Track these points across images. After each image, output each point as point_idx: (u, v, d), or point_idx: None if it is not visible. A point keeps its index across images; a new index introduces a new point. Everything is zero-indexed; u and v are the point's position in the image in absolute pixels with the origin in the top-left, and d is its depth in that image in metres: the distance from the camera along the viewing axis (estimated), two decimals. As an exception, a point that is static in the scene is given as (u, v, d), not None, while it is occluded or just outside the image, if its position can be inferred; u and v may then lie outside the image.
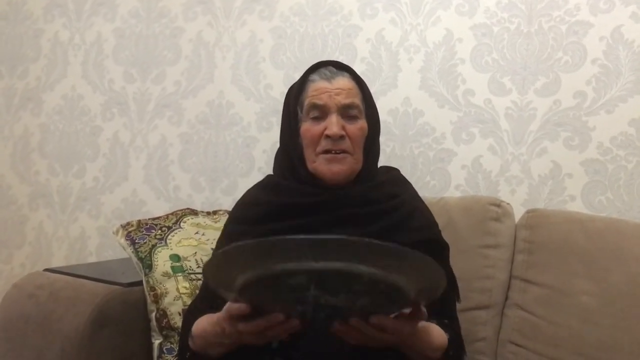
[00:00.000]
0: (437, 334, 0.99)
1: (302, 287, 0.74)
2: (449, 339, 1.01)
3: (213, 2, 1.94)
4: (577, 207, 1.49)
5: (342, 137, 1.09)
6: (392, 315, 0.83)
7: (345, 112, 1.10)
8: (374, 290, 0.75)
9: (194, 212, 1.55)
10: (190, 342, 1.04)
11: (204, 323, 1.01)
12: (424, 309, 0.85)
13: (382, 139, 1.28)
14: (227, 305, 0.86)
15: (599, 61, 1.49)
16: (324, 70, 1.14)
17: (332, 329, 0.83)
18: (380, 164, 1.27)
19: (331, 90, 1.10)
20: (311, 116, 1.11)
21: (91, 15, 2.14)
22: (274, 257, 0.72)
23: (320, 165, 1.10)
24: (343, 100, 1.10)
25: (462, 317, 1.16)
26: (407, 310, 0.85)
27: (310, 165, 1.12)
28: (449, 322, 1.08)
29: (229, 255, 0.75)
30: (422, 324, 0.92)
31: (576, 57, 1.51)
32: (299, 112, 1.14)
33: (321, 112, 1.10)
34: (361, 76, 1.20)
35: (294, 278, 0.73)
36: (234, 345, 0.96)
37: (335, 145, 1.09)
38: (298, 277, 0.73)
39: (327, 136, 1.08)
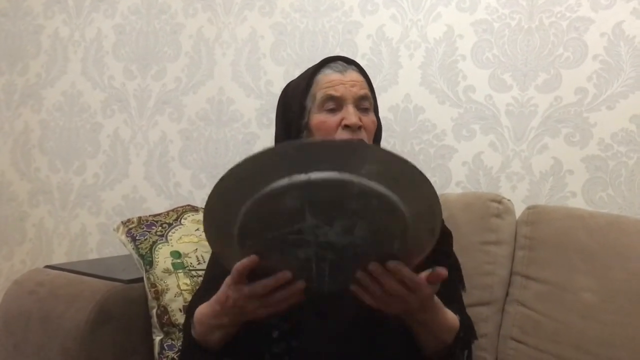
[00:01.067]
0: (450, 314, 0.97)
1: (297, 212, 0.73)
2: (460, 321, 1.00)
3: (213, -2, 1.94)
4: (578, 203, 1.49)
5: (360, 128, 1.08)
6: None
7: (360, 103, 1.10)
8: (367, 209, 0.73)
9: (195, 209, 1.55)
10: (192, 332, 1.03)
11: (202, 308, 1.00)
12: (444, 271, 0.82)
13: (382, 135, 1.28)
14: (233, 269, 0.84)
15: (600, 57, 1.48)
16: (335, 64, 1.13)
17: (346, 289, 0.81)
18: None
19: (345, 82, 1.09)
20: (326, 108, 1.09)
21: (91, 12, 2.14)
22: (263, 175, 0.72)
23: None
24: (358, 91, 1.09)
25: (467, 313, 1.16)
26: (424, 273, 0.82)
27: None
28: (457, 307, 1.07)
29: (224, 185, 0.74)
30: (438, 300, 0.91)
31: (577, 53, 1.50)
32: (308, 105, 1.12)
33: (337, 104, 1.09)
34: (363, 72, 1.20)
35: (287, 199, 0.72)
36: (233, 327, 0.94)
37: (354, 135, 1.07)
38: (290, 196, 0.72)
39: (346, 126, 1.07)
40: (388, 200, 0.73)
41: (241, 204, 0.75)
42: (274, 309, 0.84)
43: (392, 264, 0.78)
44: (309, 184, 0.71)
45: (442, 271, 0.82)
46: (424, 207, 0.75)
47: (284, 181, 0.72)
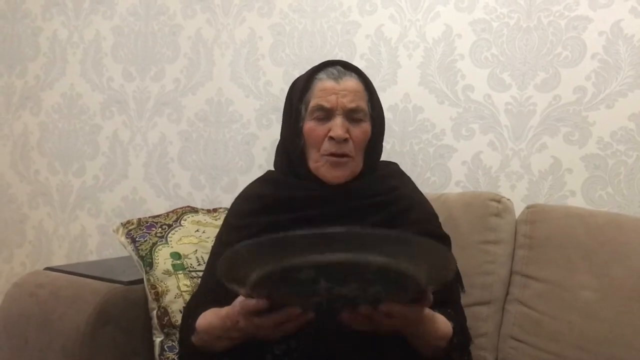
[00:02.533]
0: (442, 322, 0.99)
1: (312, 280, 0.74)
2: (453, 328, 1.01)
3: (212, 0, 1.94)
4: (577, 202, 1.49)
5: (345, 140, 1.09)
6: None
7: (350, 115, 1.10)
8: (384, 278, 0.75)
9: (194, 210, 1.55)
10: (193, 338, 1.03)
11: (209, 317, 1.01)
12: (430, 296, 0.85)
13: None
14: (240, 300, 0.87)
15: (598, 56, 1.48)
16: (332, 70, 1.13)
17: (340, 317, 0.83)
18: (381, 160, 1.27)
19: (338, 91, 1.10)
20: (316, 116, 1.10)
21: (90, 14, 2.14)
22: (281, 253, 0.73)
23: (323, 167, 1.11)
24: (349, 103, 1.09)
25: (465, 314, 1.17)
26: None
27: (312, 165, 1.12)
28: (454, 311, 1.08)
29: (238, 254, 0.76)
30: (428, 311, 0.92)
31: (576, 52, 1.50)
32: (303, 110, 1.13)
33: (326, 114, 1.10)
34: (363, 74, 1.20)
35: (303, 272, 0.74)
36: (242, 339, 0.96)
37: (338, 149, 1.09)
38: (306, 271, 0.73)
39: (331, 138, 1.08)
40: (404, 273, 0.75)
41: (254, 270, 0.77)
42: (284, 333, 0.88)
43: (384, 307, 0.81)
44: (326, 263, 0.73)
45: (429, 298, 0.85)
46: (438, 268, 0.78)
47: (299, 259, 0.73)
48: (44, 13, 2.22)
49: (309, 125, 1.11)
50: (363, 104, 1.12)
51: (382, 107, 1.19)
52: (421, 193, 1.23)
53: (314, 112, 1.10)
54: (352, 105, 1.10)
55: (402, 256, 0.73)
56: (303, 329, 0.86)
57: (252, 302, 0.83)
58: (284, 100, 1.21)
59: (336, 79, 1.11)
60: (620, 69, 1.46)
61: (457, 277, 1.16)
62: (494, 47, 1.59)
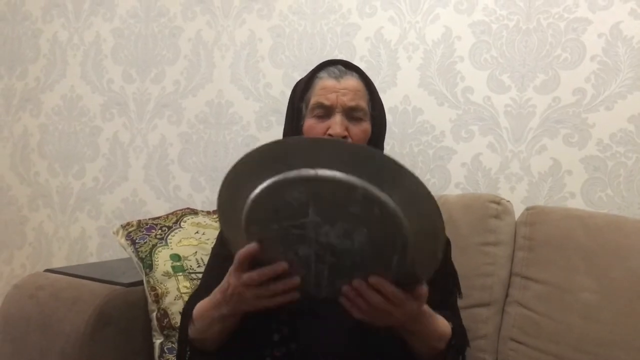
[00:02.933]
0: (441, 322, 0.99)
1: (301, 206, 0.74)
2: (452, 329, 1.01)
3: (212, 2, 1.94)
4: (577, 204, 1.49)
5: (344, 138, 1.09)
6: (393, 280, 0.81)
7: (350, 113, 1.10)
8: (369, 215, 0.74)
9: (194, 212, 1.55)
10: (190, 330, 1.03)
11: (203, 301, 1.00)
12: (426, 287, 0.84)
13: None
14: (236, 256, 0.86)
15: (598, 58, 1.49)
16: (333, 69, 1.13)
17: (338, 296, 0.82)
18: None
19: (338, 89, 1.10)
20: (315, 114, 1.11)
21: (90, 16, 2.14)
22: (275, 164, 0.75)
23: None
24: (349, 102, 1.10)
25: (463, 315, 1.16)
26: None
27: None
28: (451, 314, 1.08)
29: (238, 167, 0.78)
30: (427, 309, 0.92)
31: (575, 54, 1.51)
32: (303, 109, 1.14)
33: (326, 111, 1.10)
34: (364, 75, 1.20)
35: (293, 191, 0.74)
36: (232, 318, 0.95)
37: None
38: (297, 189, 0.74)
39: (330, 135, 1.09)
40: (390, 211, 0.73)
41: (251, 189, 0.77)
42: (270, 300, 0.85)
43: (373, 279, 0.79)
44: (316, 179, 0.73)
45: (425, 289, 0.84)
46: (428, 228, 0.76)
47: (292, 173, 0.74)
48: (44, 15, 2.23)
49: (309, 123, 1.11)
50: (363, 103, 1.12)
51: (383, 108, 1.19)
52: None
53: (314, 110, 1.11)
54: (352, 103, 1.10)
55: (393, 191, 0.73)
56: (294, 302, 0.85)
57: (245, 248, 0.82)
58: (285, 102, 1.21)
59: (337, 77, 1.11)
60: (619, 71, 1.47)
61: (455, 281, 1.16)
62: (494, 49, 1.59)
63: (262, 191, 0.76)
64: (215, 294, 0.94)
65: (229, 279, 0.88)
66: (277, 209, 0.77)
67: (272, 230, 0.79)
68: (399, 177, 0.73)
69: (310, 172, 0.73)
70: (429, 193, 0.73)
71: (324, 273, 0.80)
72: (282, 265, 0.81)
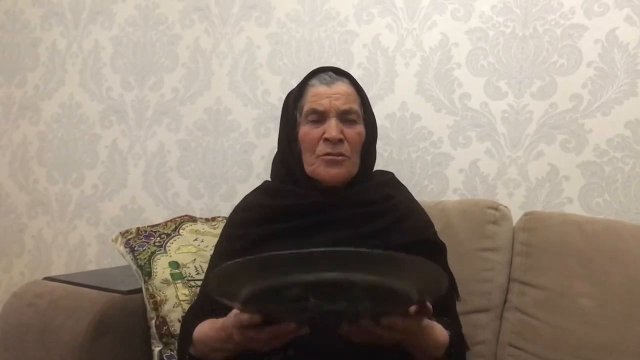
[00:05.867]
0: (439, 332, 0.99)
1: (301, 298, 0.75)
2: (450, 337, 1.01)
3: (210, 9, 1.95)
4: (574, 209, 1.49)
5: (340, 141, 1.10)
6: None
7: (344, 116, 1.11)
8: (374, 294, 0.75)
9: (193, 219, 1.55)
10: (191, 350, 1.04)
11: (205, 328, 1.01)
12: (429, 305, 0.86)
13: (379, 143, 1.29)
14: (235, 313, 0.87)
15: (594, 64, 1.49)
16: (324, 76, 1.15)
17: (339, 331, 0.84)
18: (378, 168, 1.28)
19: (331, 95, 1.11)
20: (310, 120, 1.12)
21: (88, 24, 2.15)
22: (269, 272, 0.74)
23: (319, 168, 1.12)
24: (342, 105, 1.11)
25: (461, 321, 1.17)
26: (412, 308, 0.85)
27: (309, 168, 1.13)
28: (450, 320, 1.09)
29: (226, 272, 0.77)
30: (427, 322, 0.93)
31: (571, 60, 1.51)
32: (298, 116, 1.15)
33: (320, 116, 1.11)
34: (358, 81, 1.21)
35: (291, 290, 0.74)
36: (237, 351, 0.96)
37: (334, 149, 1.10)
38: (294, 289, 0.74)
39: (326, 139, 1.09)
40: (392, 290, 0.75)
41: (244, 287, 0.77)
42: (279, 345, 0.88)
43: (386, 321, 0.81)
44: (315, 282, 0.73)
45: (429, 308, 0.86)
46: (429, 284, 0.78)
47: (288, 278, 0.74)
48: (43, 23, 2.23)
49: (304, 130, 1.12)
50: (356, 106, 1.14)
51: (373, 113, 1.21)
52: (417, 202, 1.24)
53: (308, 116, 1.12)
54: (346, 106, 1.11)
55: (390, 274, 0.74)
56: (301, 339, 0.87)
57: (246, 317, 0.84)
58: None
59: (328, 83, 1.13)
60: (615, 77, 1.47)
61: (453, 285, 1.17)
62: (491, 56, 1.60)
63: (258, 290, 0.76)
64: (219, 331, 0.96)
65: (233, 330, 0.89)
66: (276, 300, 0.78)
67: (273, 309, 0.81)
68: (396, 264, 0.74)
69: (306, 276, 0.73)
70: (427, 263, 0.74)
71: (329, 325, 0.83)
72: (290, 326, 0.82)
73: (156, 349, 1.33)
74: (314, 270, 0.72)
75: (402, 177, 1.30)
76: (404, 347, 0.96)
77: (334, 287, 0.74)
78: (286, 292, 0.74)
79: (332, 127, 1.09)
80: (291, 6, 1.84)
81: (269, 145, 1.84)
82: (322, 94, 1.11)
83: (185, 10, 1.99)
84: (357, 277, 0.72)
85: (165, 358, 1.32)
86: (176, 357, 1.28)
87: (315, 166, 1.12)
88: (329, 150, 1.10)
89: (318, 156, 1.11)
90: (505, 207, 1.44)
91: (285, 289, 0.74)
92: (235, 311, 0.88)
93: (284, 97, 1.24)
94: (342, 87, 1.13)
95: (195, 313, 1.13)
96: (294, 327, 0.82)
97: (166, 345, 1.32)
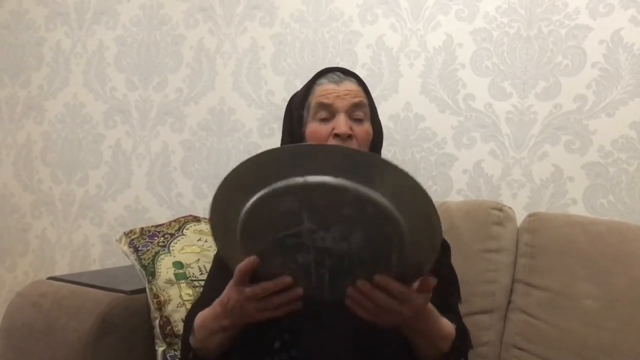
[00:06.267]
0: (445, 322, 0.98)
1: (294, 215, 0.75)
2: (456, 329, 1.00)
3: (214, 10, 1.95)
4: (578, 210, 1.49)
5: (350, 137, 1.09)
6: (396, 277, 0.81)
7: (353, 112, 1.11)
8: (362, 215, 0.74)
9: (197, 219, 1.55)
10: (191, 340, 1.03)
11: (204, 312, 1.01)
12: (433, 279, 0.83)
13: (383, 144, 1.28)
14: (235, 270, 0.86)
15: (599, 65, 1.49)
16: (332, 75, 1.14)
17: (343, 299, 0.82)
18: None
19: (339, 91, 1.11)
20: (318, 117, 1.11)
21: (93, 24, 2.15)
22: (262, 177, 0.75)
23: None
24: (351, 99, 1.10)
25: (465, 322, 1.16)
26: (416, 284, 0.83)
27: None
28: (454, 317, 1.08)
29: (225, 186, 0.78)
30: (432, 307, 0.92)
31: (576, 60, 1.51)
32: (305, 115, 1.14)
33: (329, 113, 1.10)
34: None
35: (285, 201, 0.75)
36: (232, 330, 0.95)
37: (344, 144, 1.09)
38: (288, 199, 0.74)
39: (336, 135, 1.08)
40: (383, 208, 0.74)
41: (242, 204, 0.78)
42: (273, 312, 0.86)
43: (378, 278, 0.79)
44: (306, 186, 0.73)
45: (432, 280, 0.83)
46: (422, 219, 0.76)
47: (282, 183, 0.74)
48: (48, 23, 2.24)
49: (312, 127, 1.11)
50: (365, 100, 1.13)
51: (379, 118, 1.20)
52: None
53: (317, 112, 1.10)
54: (356, 100, 1.10)
55: (384, 187, 0.73)
56: (295, 316, 0.85)
57: (245, 262, 0.82)
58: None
59: (336, 82, 1.12)
60: (620, 78, 1.47)
61: (455, 285, 1.16)
62: (495, 56, 1.59)
63: (253, 205, 0.77)
64: (215, 306, 0.94)
65: (229, 293, 0.88)
66: (271, 221, 0.77)
67: (268, 241, 0.79)
68: (387, 173, 0.73)
69: (299, 180, 0.73)
70: (418, 184, 0.73)
71: (325, 277, 0.80)
72: (285, 279, 0.81)
73: (160, 349, 1.34)
74: (305, 172, 0.73)
75: (406, 178, 1.29)
76: (411, 333, 0.94)
77: (325, 198, 0.74)
78: (280, 205, 0.75)
79: (341, 123, 1.08)
80: (295, 6, 1.84)
81: (273, 145, 1.82)
82: (330, 91, 1.11)
83: (190, 10, 1.99)
84: (346, 183, 0.73)
85: (168, 358, 1.32)
86: (179, 356, 1.28)
87: None
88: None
89: None
90: (510, 208, 1.44)
91: (277, 199, 0.75)
92: (232, 280, 0.87)
93: (288, 98, 1.24)
94: (351, 85, 1.13)
95: (196, 310, 1.12)
96: (289, 281, 0.81)
97: (170, 345, 1.33)
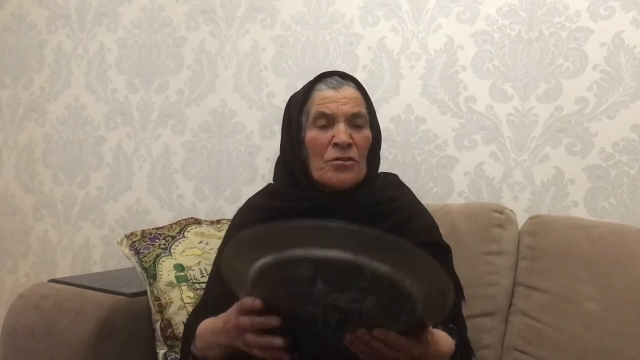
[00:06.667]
0: (444, 341, 0.99)
1: (308, 279, 0.75)
2: (456, 345, 1.01)
3: (215, 12, 1.95)
4: (580, 212, 1.49)
5: (349, 145, 1.10)
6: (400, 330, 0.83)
7: (352, 121, 1.11)
8: (378, 288, 0.75)
9: (198, 222, 1.55)
10: (192, 346, 1.04)
11: (206, 322, 1.01)
12: (430, 332, 0.85)
13: (384, 146, 1.29)
14: (240, 301, 0.87)
15: (600, 67, 1.49)
16: (330, 80, 1.15)
17: (343, 341, 0.83)
18: (383, 170, 1.28)
19: (338, 99, 1.11)
20: (318, 125, 1.11)
21: (94, 26, 2.16)
22: (281, 242, 0.74)
23: (328, 172, 1.11)
24: (350, 109, 1.11)
25: (467, 324, 1.17)
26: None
27: (317, 173, 1.13)
28: (455, 325, 1.08)
29: (241, 242, 0.78)
30: (433, 333, 0.92)
31: (577, 63, 1.51)
32: (303, 120, 1.14)
33: (328, 121, 1.11)
34: (363, 84, 1.21)
35: (300, 267, 0.74)
36: (228, 349, 0.95)
37: (343, 154, 1.10)
38: (304, 266, 0.74)
39: (336, 144, 1.09)
40: (398, 284, 0.75)
41: (257, 258, 0.77)
42: (254, 351, 0.87)
43: (377, 332, 0.80)
44: (324, 259, 0.74)
45: (430, 334, 0.85)
46: (436, 291, 0.78)
47: (300, 252, 0.74)
48: (49, 25, 2.24)
49: (312, 135, 1.12)
50: (363, 110, 1.14)
51: (377, 118, 1.21)
52: (421, 204, 1.24)
53: (316, 120, 1.11)
54: (355, 110, 1.11)
55: (399, 267, 0.73)
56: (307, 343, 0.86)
57: (249, 299, 0.83)
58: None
59: (335, 88, 1.12)
60: (621, 80, 1.47)
61: (458, 286, 1.16)
62: (496, 59, 1.59)
63: (269, 263, 0.77)
64: (218, 321, 0.95)
65: (231, 314, 0.89)
66: (284, 279, 0.78)
67: (279, 293, 0.81)
68: (406, 253, 0.74)
69: (318, 252, 0.73)
70: (436, 264, 0.74)
71: (332, 325, 0.81)
72: (272, 320, 0.82)
73: (161, 352, 1.34)
74: (325, 245, 0.73)
75: (407, 180, 1.29)
76: None
77: (342, 270, 0.74)
78: (296, 269, 0.75)
79: (341, 132, 1.09)
80: (296, 9, 1.84)
81: (274, 147, 1.84)
82: (330, 98, 1.11)
83: (191, 12, 1.99)
84: (366, 262, 0.72)
85: (170, 360, 1.32)
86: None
87: (324, 171, 1.12)
88: (338, 155, 1.10)
89: (327, 161, 1.11)
90: (511, 210, 1.44)
91: (295, 265, 0.74)
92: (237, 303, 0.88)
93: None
94: (350, 91, 1.13)
95: (197, 315, 1.13)
96: (277, 323, 0.81)
97: (171, 347, 1.33)
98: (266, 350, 0.85)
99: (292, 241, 0.74)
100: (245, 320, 0.84)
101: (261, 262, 0.77)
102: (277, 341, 0.83)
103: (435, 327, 0.86)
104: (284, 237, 0.75)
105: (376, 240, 0.72)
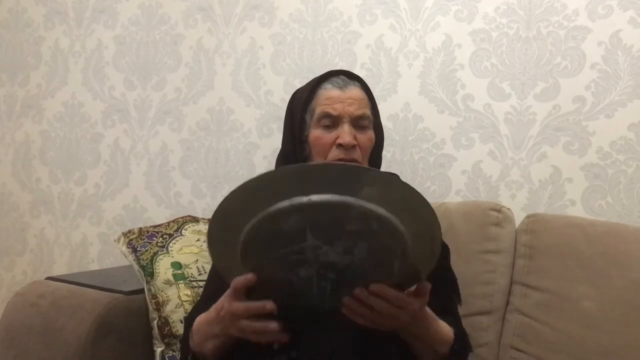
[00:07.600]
0: (444, 326, 0.99)
1: (298, 231, 0.75)
2: (455, 333, 1.01)
3: (213, 9, 1.95)
4: (577, 211, 1.49)
5: (353, 147, 1.09)
6: (396, 283, 0.82)
7: (357, 122, 1.11)
8: (367, 230, 0.74)
9: (195, 220, 1.55)
10: (190, 342, 1.04)
11: (201, 316, 1.01)
12: (428, 284, 0.84)
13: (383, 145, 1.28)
14: (232, 282, 0.86)
15: (597, 66, 1.49)
16: (336, 79, 1.14)
17: (341, 309, 0.83)
18: (382, 169, 1.28)
19: (344, 99, 1.11)
20: (322, 124, 1.11)
21: (91, 23, 2.15)
22: (264, 199, 0.74)
23: None
24: (355, 111, 1.10)
25: (463, 323, 1.16)
26: (412, 289, 0.84)
27: None
28: (453, 319, 1.08)
29: (223, 213, 0.77)
30: (430, 312, 0.92)
31: (575, 62, 1.51)
32: (307, 119, 1.14)
33: (333, 121, 1.10)
34: (366, 84, 1.21)
35: (289, 220, 0.74)
36: (224, 338, 0.95)
37: (347, 155, 1.09)
38: (292, 218, 0.74)
39: (340, 145, 1.09)
40: (387, 222, 0.74)
41: (244, 224, 0.77)
42: (249, 336, 0.86)
43: (374, 286, 0.80)
44: (310, 205, 0.73)
45: (427, 285, 0.84)
46: (423, 228, 0.77)
47: (285, 203, 0.74)
48: (46, 22, 2.24)
49: (316, 134, 1.11)
50: (368, 112, 1.14)
51: (380, 118, 1.20)
52: None
53: (321, 120, 1.11)
54: (359, 112, 1.11)
55: (387, 203, 0.73)
56: (281, 342, 0.85)
57: (241, 278, 0.82)
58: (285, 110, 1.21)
59: (341, 87, 1.12)
60: (619, 79, 1.47)
61: (455, 288, 1.16)
62: (494, 57, 1.59)
63: (256, 223, 0.76)
64: (211, 311, 0.95)
65: (223, 302, 0.89)
66: (274, 239, 0.77)
67: (270, 258, 0.79)
68: (390, 188, 0.74)
69: (303, 199, 0.73)
70: (422, 197, 0.74)
71: (327, 288, 0.81)
72: (267, 305, 0.81)
73: (158, 350, 1.34)
74: (309, 191, 0.72)
75: (405, 179, 1.29)
76: (409, 338, 0.94)
77: (329, 215, 0.74)
78: (283, 224, 0.74)
79: (346, 133, 1.09)
80: (294, 6, 1.83)
81: (272, 145, 1.84)
82: (336, 98, 1.11)
83: (189, 10, 1.99)
84: (350, 200, 0.72)
85: (167, 358, 1.32)
86: (178, 357, 1.28)
87: None
88: (342, 155, 1.09)
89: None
90: (508, 209, 1.44)
91: (281, 219, 0.74)
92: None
93: (287, 98, 1.23)
94: (355, 91, 1.13)
95: (196, 314, 1.12)
96: (272, 308, 0.81)
97: (168, 345, 1.33)
98: (262, 335, 0.85)
99: (275, 195, 0.74)
100: (239, 305, 0.84)
101: (249, 225, 0.76)
102: (273, 325, 0.82)
103: (427, 278, 0.84)
104: (265, 192, 0.74)
105: (358, 175, 0.72)
